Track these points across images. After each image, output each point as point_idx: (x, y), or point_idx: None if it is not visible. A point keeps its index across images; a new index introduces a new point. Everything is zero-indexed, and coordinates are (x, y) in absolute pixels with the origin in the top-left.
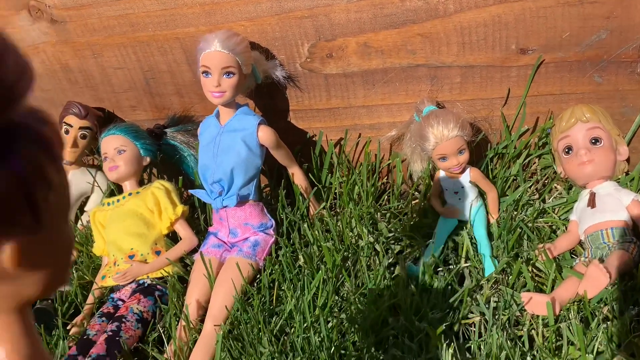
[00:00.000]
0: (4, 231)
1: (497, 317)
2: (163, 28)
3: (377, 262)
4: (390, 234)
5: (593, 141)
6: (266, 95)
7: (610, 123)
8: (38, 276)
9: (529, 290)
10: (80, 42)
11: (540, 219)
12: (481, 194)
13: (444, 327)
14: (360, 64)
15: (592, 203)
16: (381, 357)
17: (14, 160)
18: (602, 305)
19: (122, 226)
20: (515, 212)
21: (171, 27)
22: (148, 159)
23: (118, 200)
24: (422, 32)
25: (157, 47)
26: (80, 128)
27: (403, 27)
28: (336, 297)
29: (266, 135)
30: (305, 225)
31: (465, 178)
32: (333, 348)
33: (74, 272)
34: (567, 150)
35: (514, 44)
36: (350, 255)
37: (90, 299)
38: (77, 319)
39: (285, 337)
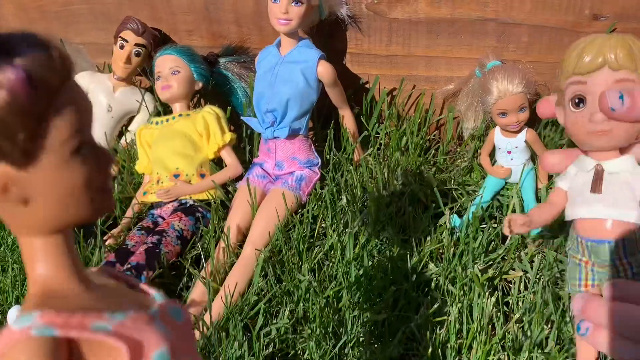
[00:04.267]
0: None
1: (539, 276)
2: None
3: (421, 211)
4: (436, 187)
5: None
6: (326, 33)
7: None
8: (45, 209)
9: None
10: None
11: None
12: (532, 160)
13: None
14: (428, 11)
15: (597, 185)
16: (419, 299)
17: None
18: None
19: (170, 145)
20: None
21: None
22: (200, 84)
23: (167, 120)
24: None
25: None
26: (136, 45)
27: None
28: (377, 240)
29: (325, 70)
30: (351, 167)
31: (521, 138)
32: (373, 284)
33: (115, 186)
34: (577, 101)
35: (588, 8)
36: (393, 201)
37: (129, 213)
38: (115, 231)
39: (325, 270)
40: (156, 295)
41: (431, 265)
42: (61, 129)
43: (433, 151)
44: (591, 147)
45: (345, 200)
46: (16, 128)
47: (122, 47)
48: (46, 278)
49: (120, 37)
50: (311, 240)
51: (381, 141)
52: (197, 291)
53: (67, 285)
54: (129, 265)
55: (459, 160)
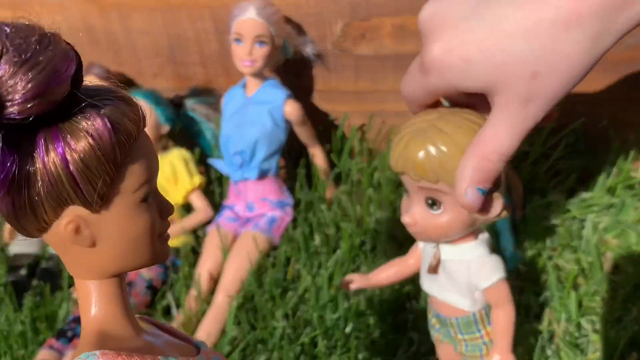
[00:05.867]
0: (67, 200)
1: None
2: None
3: (396, 248)
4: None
5: (430, 202)
6: (293, 72)
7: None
8: (110, 252)
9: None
10: (107, 2)
11: (565, 215)
12: (507, 191)
13: None
14: (393, 47)
15: (434, 267)
16: (397, 340)
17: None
18: None
19: None
20: (539, 210)
21: None
22: (167, 127)
23: None
24: None
25: (187, 13)
26: None
27: None
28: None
29: (293, 110)
30: (323, 206)
31: None
32: (349, 327)
33: None
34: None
35: None
36: (367, 239)
37: None
38: None
39: (300, 314)
40: (199, 344)
41: (408, 305)
42: (135, 176)
43: None
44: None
45: (318, 240)
46: (98, 173)
47: None
48: (102, 319)
49: None
50: (284, 283)
51: (353, 178)
52: None
53: (121, 328)
54: None
55: None
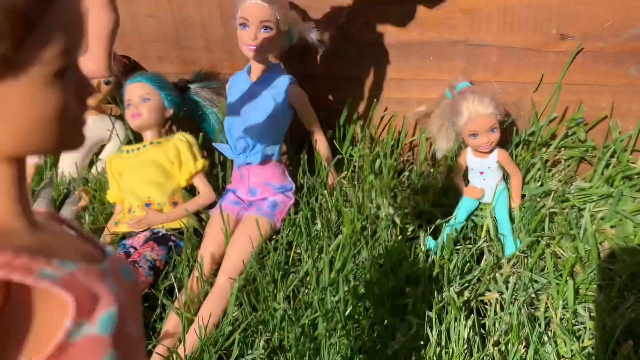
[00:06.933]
0: None
1: (514, 297)
2: None
3: (396, 234)
4: (410, 209)
5: None
6: (297, 58)
7: None
8: (11, 130)
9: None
10: None
11: (564, 204)
12: (505, 179)
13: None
14: (397, 35)
15: None
16: (396, 324)
17: None
18: None
19: (141, 174)
20: (539, 199)
21: None
22: (171, 111)
23: (138, 149)
24: (465, 7)
25: None
26: None
27: (445, 0)
28: (352, 264)
29: (296, 95)
30: (325, 191)
31: (493, 159)
32: (348, 310)
33: (86, 216)
34: None
35: (555, 28)
36: (368, 225)
37: None
38: None
39: (300, 297)
40: (107, 250)
41: (407, 289)
42: (50, 43)
43: (407, 173)
44: None
45: (320, 224)
46: (3, 32)
47: None
48: None
49: None
50: (286, 266)
51: (355, 164)
52: (171, 322)
53: (13, 221)
54: None
55: (435, 181)
